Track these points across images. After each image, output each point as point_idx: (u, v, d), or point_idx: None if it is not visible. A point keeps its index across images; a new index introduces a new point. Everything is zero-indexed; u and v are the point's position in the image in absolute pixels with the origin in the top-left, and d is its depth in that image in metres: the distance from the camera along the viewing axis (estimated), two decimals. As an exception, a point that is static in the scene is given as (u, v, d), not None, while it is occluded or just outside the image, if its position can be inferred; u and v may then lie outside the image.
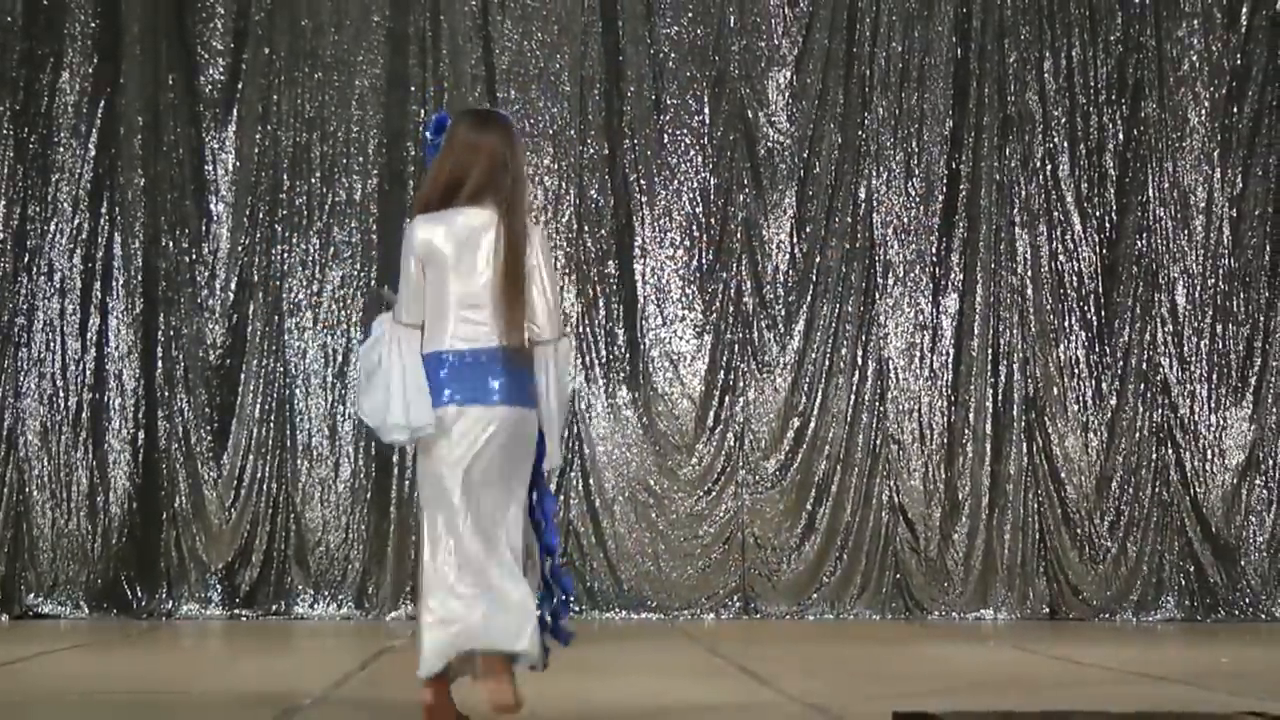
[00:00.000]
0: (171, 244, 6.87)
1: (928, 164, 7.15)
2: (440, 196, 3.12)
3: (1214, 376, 7.16)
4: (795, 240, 7.14)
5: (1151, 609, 7.04)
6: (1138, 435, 7.12)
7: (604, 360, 7.02)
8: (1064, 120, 7.21)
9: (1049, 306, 7.16)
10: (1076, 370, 7.14)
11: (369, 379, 3.23)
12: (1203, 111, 7.23)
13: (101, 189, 6.84)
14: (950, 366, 7.11)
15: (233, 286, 6.88)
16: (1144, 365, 7.16)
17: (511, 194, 3.10)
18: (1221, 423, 7.14)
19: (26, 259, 6.80)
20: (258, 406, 6.83)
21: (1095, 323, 7.16)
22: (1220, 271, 7.23)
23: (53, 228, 6.82)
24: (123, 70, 6.85)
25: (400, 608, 6.79)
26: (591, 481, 6.94)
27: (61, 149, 6.82)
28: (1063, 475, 7.07)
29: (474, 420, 3.17)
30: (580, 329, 6.99)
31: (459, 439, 3.19)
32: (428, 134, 3.23)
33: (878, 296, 7.10)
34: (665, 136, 7.10)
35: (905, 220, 7.15)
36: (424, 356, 3.17)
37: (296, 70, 6.96)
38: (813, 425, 7.03)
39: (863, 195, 7.14)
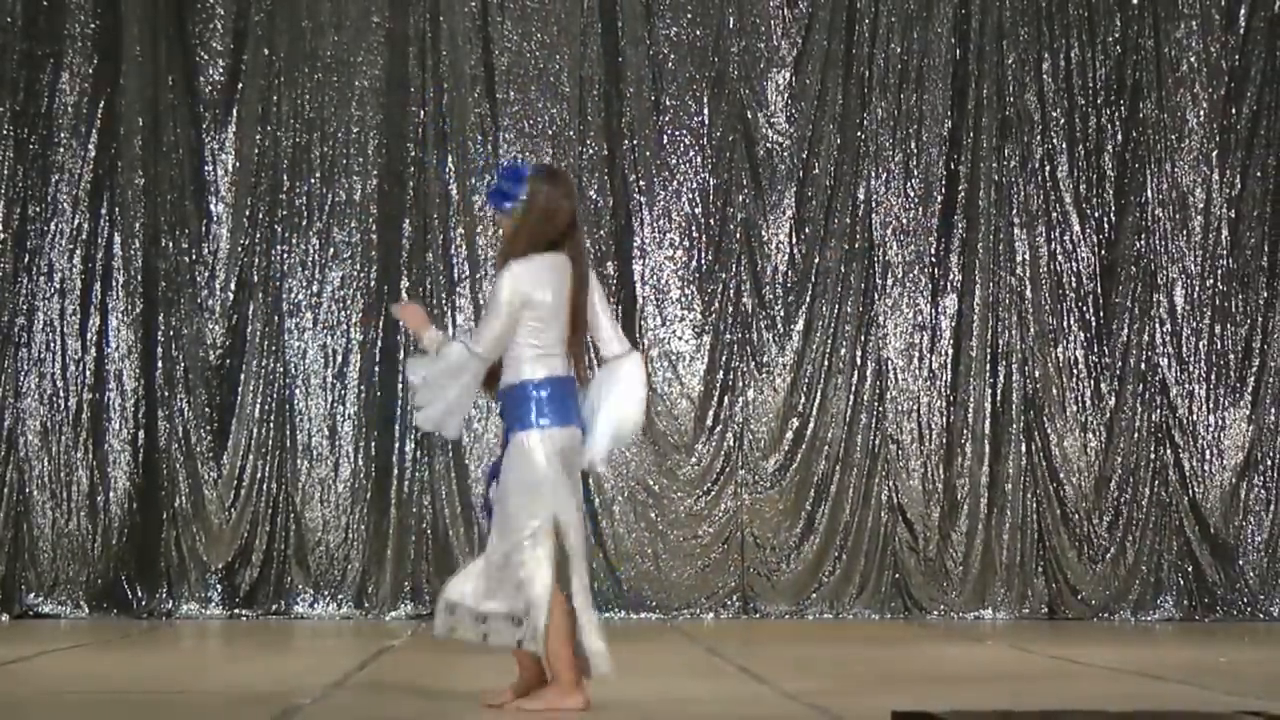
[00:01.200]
0: (171, 244, 6.87)
1: (927, 165, 7.16)
2: (532, 248, 3.50)
3: (1212, 377, 7.17)
4: (794, 241, 7.15)
5: (1150, 609, 7.05)
6: (1136, 435, 7.13)
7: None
8: (1063, 121, 7.22)
9: (1048, 307, 7.17)
10: (1075, 370, 7.15)
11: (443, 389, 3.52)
12: (1201, 112, 7.24)
13: (101, 189, 6.84)
14: (949, 367, 7.11)
15: (232, 287, 6.89)
16: (1142, 365, 7.17)
17: (579, 243, 3.55)
18: (1220, 423, 7.15)
19: (26, 259, 6.81)
20: (257, 406, 6.83)
21: (1094, 323, 7.17)
22: (1219, 272, 7.24)
23: (53, 228, 6.82)
24: (123, 71, 6.85)
25: (399, 608, 6.80)
26: (591, 481, 6.94)
27: (61, 149, 6.83)
28: (1061, 475, 7.09)
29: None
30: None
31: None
32: (504, 184, 3.53)
33: (877, 297, 7.11)
34: (664, 137, 7.11)
35: (904, 221, 7.16)
36: (536, 381, 3.49)
37: (296, 71, 6.97)
38: (812, 425, 7.04)
39: (862, 196, 7.15)
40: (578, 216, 3.52)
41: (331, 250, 6.94)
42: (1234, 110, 7.27)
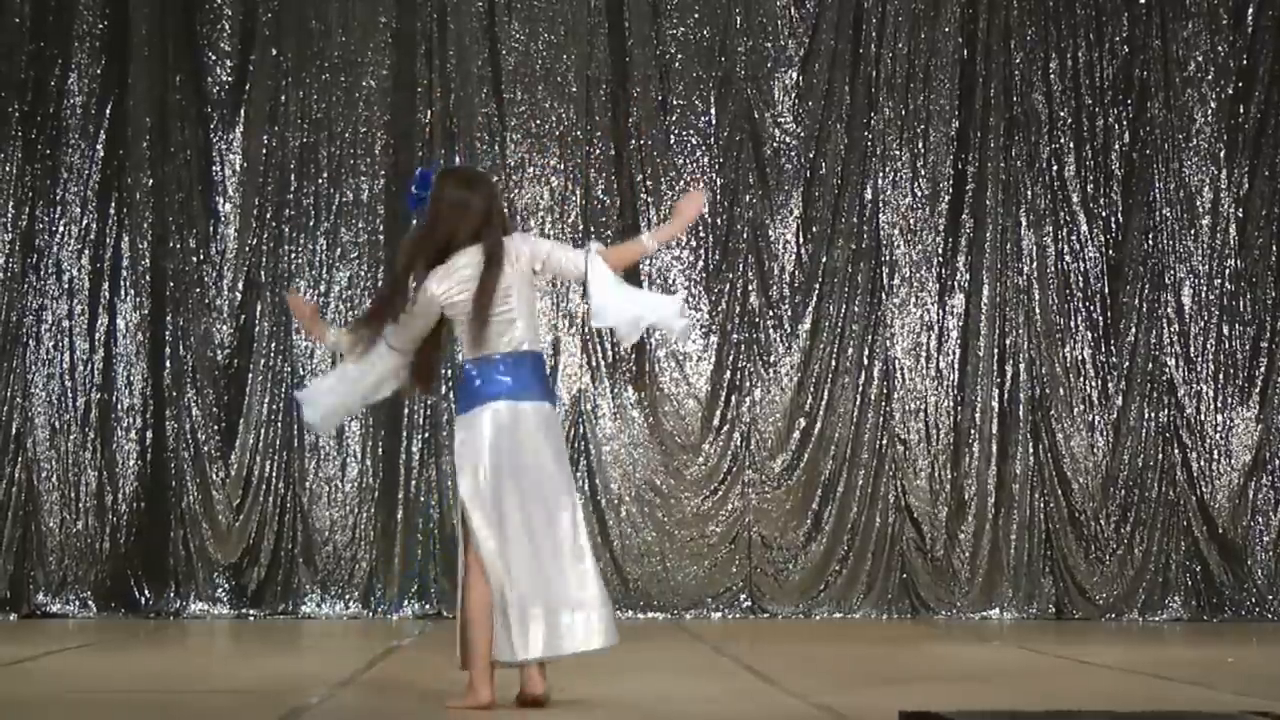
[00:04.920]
0: (179, 244, 6.89)
1: (934, 164, 7.15)
2: (439, 252, 3.59)
3: (1220, 376, 7.15)
4: (801, 241, 7.14)
5: (1158, 609, 7.03)
6: (1144, 435, 7.11)
7: (610, 361, 7.03)
8: (1070, 121, 7.21)
9: (1055, 306, 7.16)
10: (1082, 370, 7.14)
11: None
12: (1209, 112, 7.22)
13: (109, 190, 6.86)
14: (956, 366, 7.10)
15: (240, 287, 6.90)
16: (1150, 365, 7.15)
17: (491, 242, 3.57)
18: (1228, 423, 7.13)
19: (35, 259, 6.83)
20: (265, 406, 6.85)
21: (1101, 323, 7.16)
22: (1226, 272, 7.22)
23: (61, 228, 6.84)
24: (130, 71, 6.87)
25: (406, 607, 6.81)
26: (598, 481, 6.95)
27: (69, 150, 6.84)
28: (1069, 475, 7.07)
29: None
30: (586, 329, 7.01)
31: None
32: (413, 188, 3.65)
33: (884, 297, 7.11)
34: (671, 137, 7.11)
35: (911, 220, 7.15)
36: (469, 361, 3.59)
37: (304, 71, 6.98)
38: (819, 425, 7.04)
39: (869, 195, 7.14)
40: (494, 209, 3.58)
41: (339, 250, 6.95)
42: (1241, 109, 7.25)
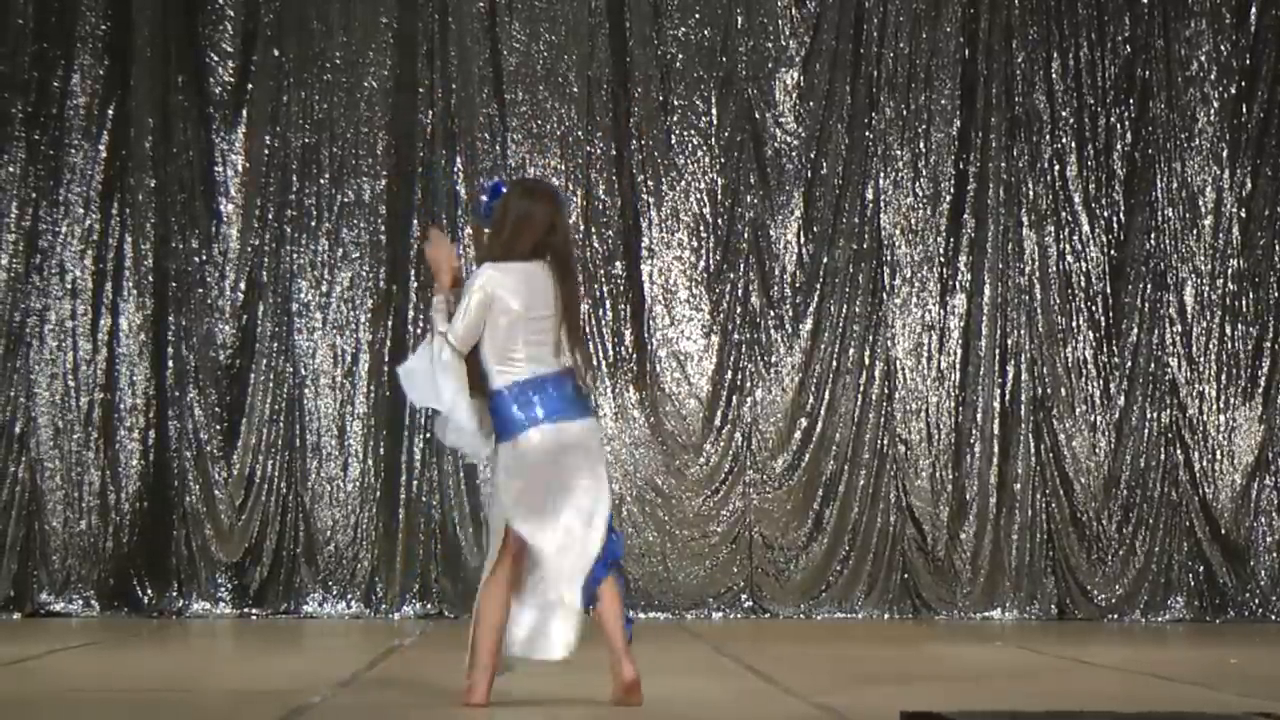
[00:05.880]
0: (181, 245, 6.90)
1: (935, 164, 7.15)
2: (503, 254, 3.62)
3: (1223, 377, 7.14)
4: (803, 241, 7.14)
5: (1160, 609, 7.02)
6: (1146, 435, 7.11)
7: (611, 361, 7.04)
8: (1072, 120, 7.20)
9: (1057, 307, 7.15)
10: (1084, 370, 7.13)
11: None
12: (1211, 111, 7.21)
13: (112, 190, 6.87)
14: (958, 367, 7.10)
15: (242, 287, 6.91)
16: (1152, 365, 7.15)
17: (562, 250, 3.63)
18: (1230, 423, 7.12)
19: (38, 260, 6.84)
20: (267, 406, 6.86)
21: (1103, 323, 7.15)
22: (1229, 271, 7.21)
23: (64, 229, 6.86)
24: (133, 72, 6.88)
25: (408, 606, 6.81)
26: (599, 481, 6.94)
27: (72, 150, 6.86)
28: (1071, 475, 7.07)
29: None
30: (588, 329, 7.01)
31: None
32: (483, 198, 3.70)
33: (885, 297, 7.10)
34: (672, 137, 7.11)
35: (913, 221, 7.15)
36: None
37: (305, 72, 6.99)
38: (820, 425, 7.04)
39: (870, 196, 7.14)
40: (559, 224, 3.61)
41: (341, 251, 6.96)
42: (1244, 109, 7.24)
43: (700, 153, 7.12)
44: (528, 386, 3.53)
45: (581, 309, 3.72)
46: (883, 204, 7.14)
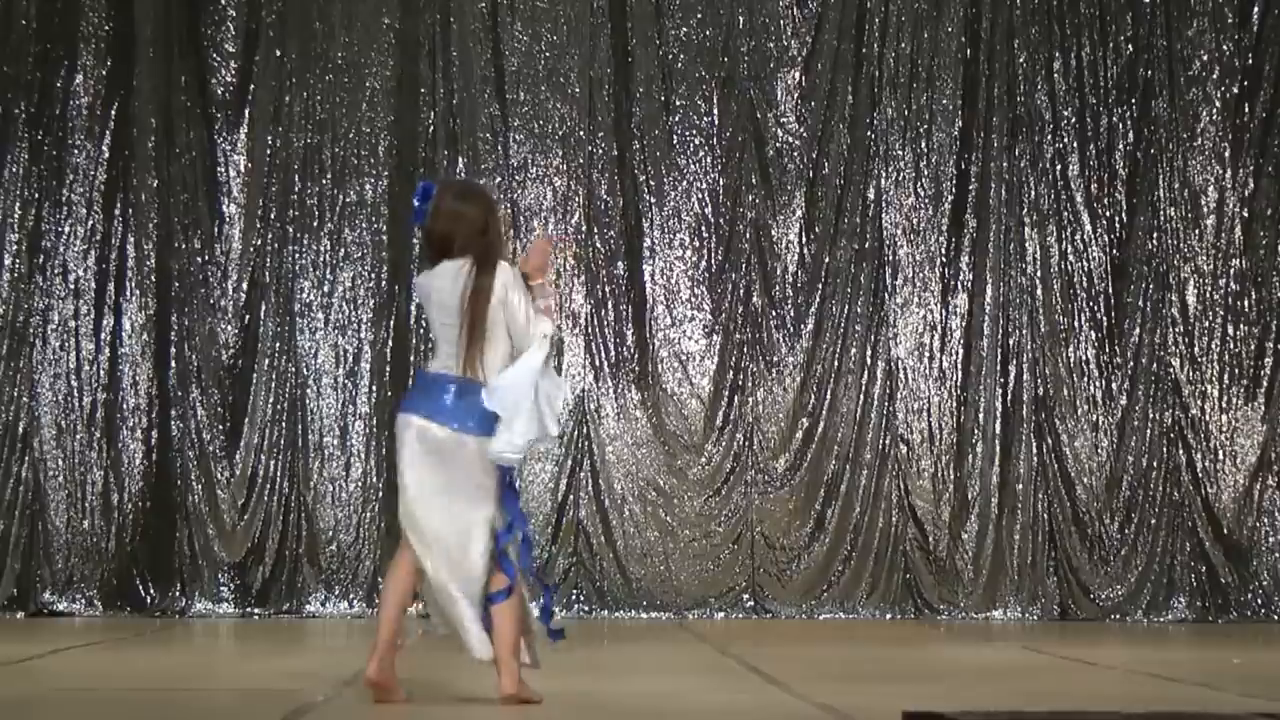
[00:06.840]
0: (184, 245, 6.91)
1: (937, 164, 7.15)
2: (432, 257, 3.69)
3: (1225, 377, 7.14)
4: (804, 240, 7.14)
5: (1162, 610, 7.02)
6: (1148, 435, 7.10)
7: (613, 361, 7.04)
8: (1074, 120, 7.20)
9: (1059, 306, 7.15)
10: (1086, 370, 7.13)
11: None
12: (1213, 111, 7.21)
13: (115, 190, 6.88)
14: (960, 367, 7.10)
15: (244, 287, 6.92)
16: (1154, 365, 7.14)
17: (484, 252, 3.62)
18: (1233, 423, 7.12)
19: (41, 260, 6.85)
20: (270, 406, 6.87)
21: (1105, 323, 7.15)
22: (1231, 271, 7.20)
23: (67, 229, 6.87)
24: (135, 73, 6.89)
25: (410, 606, 6.80)
26: (601, 481, 6.96)
27: (75, 151, 6.87)
28: (1073, 475, 7.06)
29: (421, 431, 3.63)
30: (589, 329, 7.02)
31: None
32: (415, 200, 3.71)
33: (887, 297, 7.10)
34: (674, 137, 7.11)
35: (914, 220, 7.15)
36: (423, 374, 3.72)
37: (307, 72, 7.00)
38: (822, 425, 7.04)
39: (872, 195, 7.14)
40: (490, 224, 3.63)
41: (343, 251, 6.97)
42: (1246, 108, 7.23)
43: (702, 153, 7.13)
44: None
45: (508, 302, 3.58)
46: (884, 204, 7.14)
